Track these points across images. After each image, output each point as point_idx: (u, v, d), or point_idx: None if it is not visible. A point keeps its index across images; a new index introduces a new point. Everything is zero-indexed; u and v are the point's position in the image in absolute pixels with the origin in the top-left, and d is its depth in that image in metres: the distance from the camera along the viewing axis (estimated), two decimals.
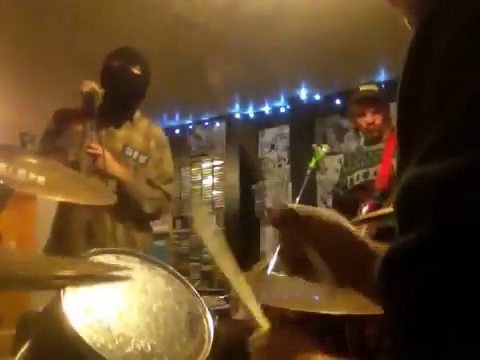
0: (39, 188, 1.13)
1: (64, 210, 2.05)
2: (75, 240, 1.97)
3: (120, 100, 2.06)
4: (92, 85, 1.96)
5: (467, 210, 0.35)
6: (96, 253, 1.11)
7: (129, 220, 2.08)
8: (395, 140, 0.48)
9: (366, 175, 2.45)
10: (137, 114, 2.19)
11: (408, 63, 0.46)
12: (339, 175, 2.79)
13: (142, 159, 2.12)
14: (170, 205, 2.25)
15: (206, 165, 5.18)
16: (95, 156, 1.96)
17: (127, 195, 2.02)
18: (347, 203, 2.51)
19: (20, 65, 3.92)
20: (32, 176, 1.10)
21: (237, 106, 4.86)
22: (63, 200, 1.23)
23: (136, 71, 2.09)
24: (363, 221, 2.19)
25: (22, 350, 0.98)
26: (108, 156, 1.97)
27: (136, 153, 2.11)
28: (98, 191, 1.53)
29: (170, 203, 2.24)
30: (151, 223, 2.27)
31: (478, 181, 0.35)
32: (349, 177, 2.55)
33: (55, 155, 1.96)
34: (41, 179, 1.12)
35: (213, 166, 5.14)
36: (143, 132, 2.18)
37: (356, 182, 2.49)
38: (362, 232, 2.21)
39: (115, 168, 2.01)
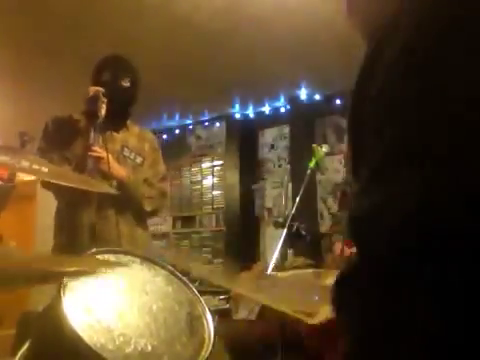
0: (44, 174, 1.16)
1: (68, 211, 2.13)
2: (81, 240, 2.04)
3: (113, 110, 2.13)
4: (96, 89, 2.04)
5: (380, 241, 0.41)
6: (95, 253, 1.11)
7: (131, 218, 2.18)
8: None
9: None
10: (128, 121, 2.31)
11: (354, 92, 0.50)
12: (345, 171, 2.81)
13: (138, 160, 2.25)
14: (167, 202, 2.40)
15: (206, 165, 5.18)
16: (99, 158, 2.04)
17: (129, 195, 2.12)
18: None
19: (20, 65, 3.92)
20: (36, 166, 1.12)
21: (237, 106, 4.86)
22: (68, 185, 1.28)
23: (125, 84, 2.19)
24: None
25: (22, 350, 0.98)
26: (111, 158, 2.06)
27: (133, 154, 2.24)
28: (97, 184, 1.58)
29: (166, 200, 2.38)
30: (151, 223, 2.35)
31: (388, 217, 0.40)
32: None
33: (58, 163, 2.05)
34: (44, 169, 1.14)
35: (213, 166, 5.15)
36: (137, 136, 2.31)
37: None
38: None
39: (117, 169, 2.10)
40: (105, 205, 2.07)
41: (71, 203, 2.10)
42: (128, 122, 2.30)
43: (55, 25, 3.35)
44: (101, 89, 2.04)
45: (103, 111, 2.04)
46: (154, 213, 2.31)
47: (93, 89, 2.04)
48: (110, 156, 2.05)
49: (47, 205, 2.35)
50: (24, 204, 5.52)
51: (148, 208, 2.21)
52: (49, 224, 2.24)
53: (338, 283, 0.47)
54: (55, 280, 0.93)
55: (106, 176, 2.05)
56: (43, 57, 3.75)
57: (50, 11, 3.16)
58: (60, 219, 2.18)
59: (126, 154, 2.21)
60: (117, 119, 2.21)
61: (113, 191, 1.81)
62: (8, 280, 0.84)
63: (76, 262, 0.96)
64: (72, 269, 0.94)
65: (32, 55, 3.75)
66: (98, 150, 2.05)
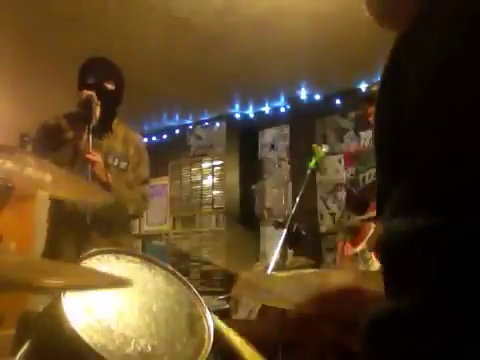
0: (47, 186, 1.14)
1: (55, 222, 2.21)
2: (67, 244, 2.08)
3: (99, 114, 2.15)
4: (89, 93, 2.05)
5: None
6: (96, 253, 1.11)
7: (113, 224, 2.20)
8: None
9: None
10: (115, 121, 2.31)
11: (381, 106, 0.46)
12: (354, 173, 2.83)
13: (123, 165, 2.27)
14: (147, 205, 2.41)
15: (206, 165, 5.18)
16: (93, 162, 2.05)
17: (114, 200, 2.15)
18: (359, 201, 2.54)
19: (20, 66, 3.92)
20: (39, 174, 1.10)
21: (237, 106, 4.86)
22: (70, 198, 1.28)
23: (110, 86, 2.21)
24: (369, 219, 2.21)
25: (22, 350, 0.97)
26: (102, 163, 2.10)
27: (117, 160, 2.25)
28: (95, 190, 1.56)
29: (147, 203, 2.40)
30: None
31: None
32: (362, 175, 2.58)
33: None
34: (48, 177, 1.12)
35: (213, 166, 5.14)
36: (122, 138, 2.32)
37: (368, 181, 2.52)
38: (371, 230, 2.23)
39: (107, 175, 2.14)
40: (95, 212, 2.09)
41: (57, 209, 2.17)
42: (114, 124, 2.30)
43: (55, 25, 3.34)
44: (93, 93, 2.05)
45: (97, 113, 2.05)
46: (135, 216, 2.37)
47: (85, 93, 2.05)
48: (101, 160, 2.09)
49: (47, 205, 2.36)
50: (24, 204, 5.52)
51: (131, 211, 2.25)
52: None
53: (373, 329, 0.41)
54: (53, 292, 0.93)
55: (97, 180, 2.07)
56: (43, 57, 3.75)
57: (50, 11, 3.16)
58: (49, 226, 2.25)
59: (110, 161, 2.23)
60: (102, 123, 2.21)
61: (110, 200, 1.84)
62: (5, 288, 0.84)
63: (76, 273, 0.95)
64: (72, 283, 0.93)
65: (32, 55, 3.75)
66: (93, 153, 2.05)
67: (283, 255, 2.10)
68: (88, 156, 2.03)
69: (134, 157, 2.32)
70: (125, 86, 2.30)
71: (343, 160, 4.40)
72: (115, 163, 2.24)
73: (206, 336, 1.03)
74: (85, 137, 2.04)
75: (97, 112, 2.05)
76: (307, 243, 2.27)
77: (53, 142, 2.14)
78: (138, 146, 2.38)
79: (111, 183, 2.14)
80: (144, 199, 2.34)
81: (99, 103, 2.06)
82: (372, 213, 2.25)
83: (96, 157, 2.06)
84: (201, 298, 1.14)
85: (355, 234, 2.40)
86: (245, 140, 5.01)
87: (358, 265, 2.24)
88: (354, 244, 2.34)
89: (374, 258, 2.16)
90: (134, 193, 2.27)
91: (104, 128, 2.25)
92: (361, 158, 2.84)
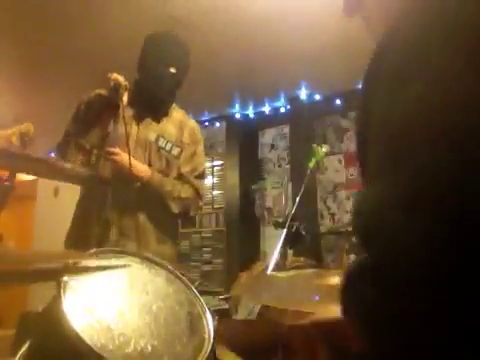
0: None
1: (83, 203, 1.98)
2: (93, 236, 1.86)
3: (154, 98, 2.00)
4: (116, 78, 1.85)
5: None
6: (95, 253, 1.11)
7: (160, 221, 1.99)
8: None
9: None
10: (173, 105, 2.14)
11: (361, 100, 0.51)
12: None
13: (175, 151, 2.04)
14: (200, 202, 2.15)
15: (206, 165, 5.18)
16: (114, 161, 1.87)
17: (153, 195, 1.96)
18: None
19: (20, 66, 3.92)
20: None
21: (237, 106, 4.86)
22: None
23: (172, 70, 2.02)
24: None
25: (22, 350, 0.97)
26: (127, 158, 1.85)
27: (169, 144, 2.03)
28: None
29: (201, 200, 2.14)
30: None
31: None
32: None
33: (78, 153, 1.91)
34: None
35: (213, 166, 5.14)
36: (177, 123, 2.11)
37: None
38: None
39: (138, 168, 1.92)
40: (129, 204, 1.89)
41: (86, 196, 1.97)
42: (171, 108, 2.11)
43: (55, 25, 3.35)
44: (121, 77, 1.84)
45: (125, 99, 1.86)
46: (183, 214, 2.08)
47: (114, 78, 1.83)
48: (126, 155, 1.84)
49: (46, 205, 2.34)
50: (24, 204, 5.52)
51: (175, 210, 2.01)
52: (48, 224, 2.23)
53: (345, 286, 0.46)
54: (53, 277, 0.93)
55: (128, 176, 1.85)
56: (43, 57, 3.75)
57: (50, 12, 3.16)
58: (76, 211, 2.01)
59: (161, 145, 2.01)
60: (158, 107, 2.05)
61: None
62: (6, 277, 0.84)
63: (75, 258, 0.96)
64: (71, 263, 0.93)
65: (32, 55, 3.75)
66: (112, 152, 1.87)
67: (283, 255, 2.09)
68: (108, 156, 1.86)
69: (189, 146, 2.10)
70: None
71: (343, 160, 4.40)
72: (167, 147, 2.02)
73: (206, 336, 1.03)
74: (111, 128, 1.85)
75: (124, 98, 1.85)
76: (307, 243, 2.27)
77: (93, 116, 1.93)
78: (194, 134, 2.15)
79: (145, 177, 1.93)
80: (198, 196, 2.10)
81: (128, 88, 1.86)
82: None
83: (118, 156, 1.86)
84: (201, 298, 1.14)
85: None
86: (245, 140, 5.02)
87: None
88: None
89: None
90: (185, 188, 2.04)
91: (160, 112, 2.07)
92: None
